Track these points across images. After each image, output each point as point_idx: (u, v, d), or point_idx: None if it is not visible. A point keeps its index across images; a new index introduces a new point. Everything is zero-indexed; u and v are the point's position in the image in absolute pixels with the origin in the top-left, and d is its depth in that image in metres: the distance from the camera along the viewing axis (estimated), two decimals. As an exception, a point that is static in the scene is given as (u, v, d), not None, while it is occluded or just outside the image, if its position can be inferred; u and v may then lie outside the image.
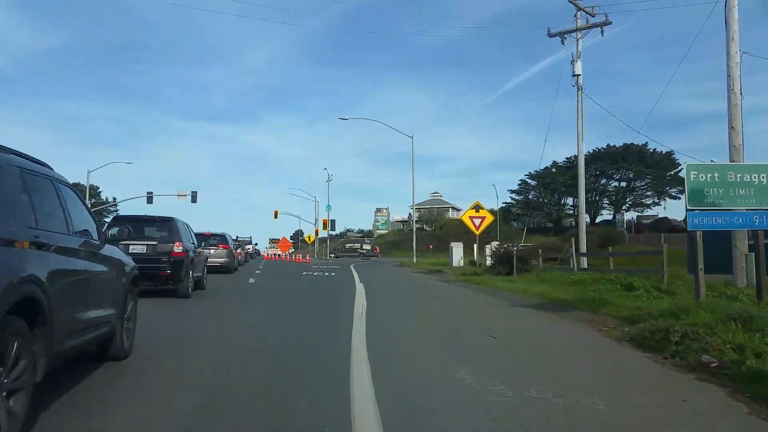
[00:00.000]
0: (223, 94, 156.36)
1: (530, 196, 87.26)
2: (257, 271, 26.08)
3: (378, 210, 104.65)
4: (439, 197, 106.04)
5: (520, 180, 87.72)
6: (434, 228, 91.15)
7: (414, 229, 43.51)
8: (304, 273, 25.41)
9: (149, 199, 55.56)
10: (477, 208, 24.76)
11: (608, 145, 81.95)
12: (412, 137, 36.06)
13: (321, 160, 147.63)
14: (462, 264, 33.18)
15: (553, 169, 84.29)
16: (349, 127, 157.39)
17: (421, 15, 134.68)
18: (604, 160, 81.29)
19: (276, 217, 67.95)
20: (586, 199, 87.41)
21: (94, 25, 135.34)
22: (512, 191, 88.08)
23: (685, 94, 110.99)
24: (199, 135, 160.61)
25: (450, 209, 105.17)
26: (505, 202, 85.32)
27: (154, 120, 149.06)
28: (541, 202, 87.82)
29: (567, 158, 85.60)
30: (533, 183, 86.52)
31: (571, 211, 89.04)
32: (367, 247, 67.01)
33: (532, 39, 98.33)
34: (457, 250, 33.87)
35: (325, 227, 60.18)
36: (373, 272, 27.73)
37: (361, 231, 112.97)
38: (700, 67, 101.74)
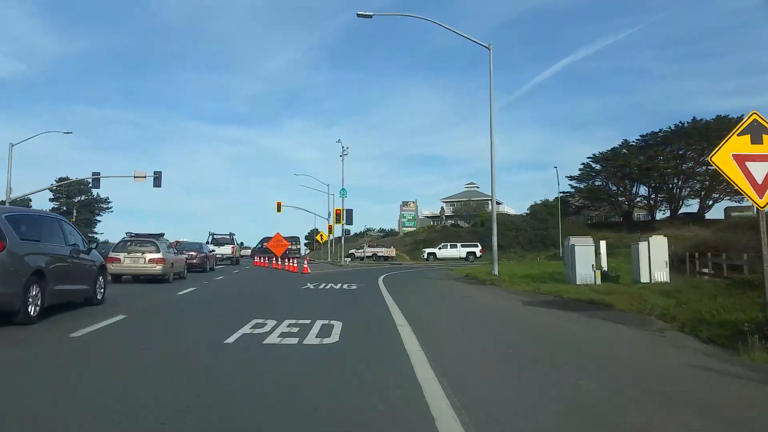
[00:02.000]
0: (242, 98, 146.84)
1: (596, 183, 70.33)
2: (115, 318, 9.69)
3: (404, 204, 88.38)
4: (476, 188, 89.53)
5: (582, 164, 70.76)
6: (473, 224, 75.24)
7: (494, 209, 25.23)
8: (247, 326, 8.06)
9: (95, 182, 40.62)
10: (757, 130, 8.49)
11: (694, 118, 64.45)
12: (489, 47, 20.42)
13: (339, 163, 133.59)
14: (600, 280, 17.01)
15: (624, 150, 67.26)
16: (362, 129, 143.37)
17: (439, 16, 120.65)
18: (690, 137, 63.89)
19: (279, 210, 52.92)
20: (666, 185, 70.20)
21: (114, 32, 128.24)
22: (572, 178, 71.11)
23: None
24: (217, 139, 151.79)
25: (490, 202, 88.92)
26: (563, 192, 68.18)
27: (174, 125, 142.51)
28: (609, 191, 70.87)
29: (642, 136, 68.35)
30: (598, 167, 69.36)
31: (644, 203, 72.01)
32: (293, 248, 52.05)
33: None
34: (584, 252, 17.62)
35: (338, 220, 44.19)
36: (441, 313, 11.76)
37: (382, 230, 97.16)
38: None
